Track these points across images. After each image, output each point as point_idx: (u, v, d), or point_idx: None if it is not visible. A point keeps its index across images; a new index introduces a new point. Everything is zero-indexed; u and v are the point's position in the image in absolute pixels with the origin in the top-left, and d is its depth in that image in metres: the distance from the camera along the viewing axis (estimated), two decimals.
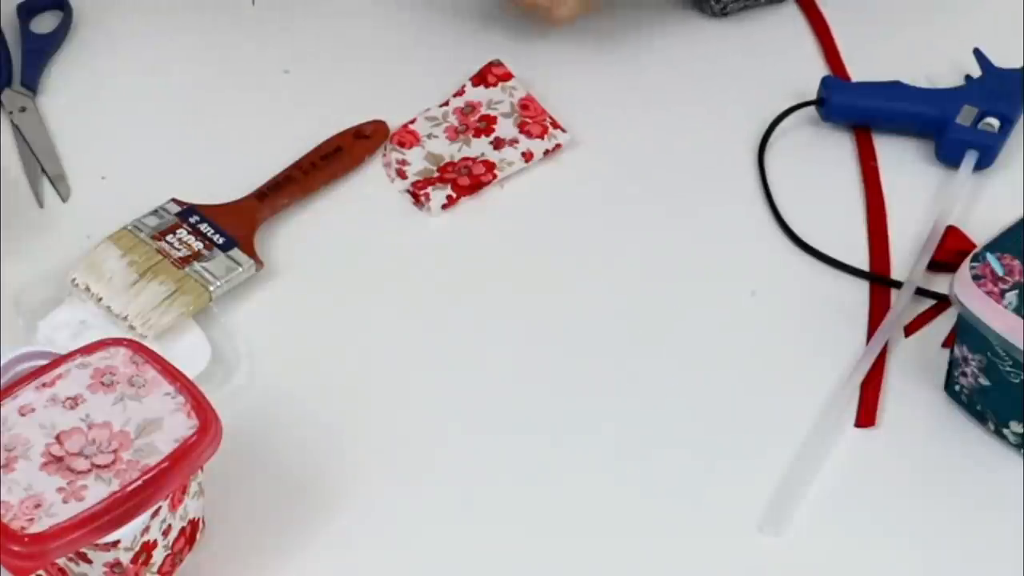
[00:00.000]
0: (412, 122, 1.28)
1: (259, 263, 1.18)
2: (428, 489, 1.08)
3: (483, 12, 1.36)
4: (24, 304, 1.15)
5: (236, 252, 1.17)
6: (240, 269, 1.17)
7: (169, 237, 1.17)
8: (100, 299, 1.14)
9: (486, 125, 1.27)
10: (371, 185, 1.25)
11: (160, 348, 1.05)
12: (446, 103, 1.29)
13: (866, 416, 1.11)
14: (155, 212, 1.19)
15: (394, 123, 1.28)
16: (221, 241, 1.18)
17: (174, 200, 1.20)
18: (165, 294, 1.14)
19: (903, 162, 1.27)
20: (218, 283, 1.15)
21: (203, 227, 1.18)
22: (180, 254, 1.16)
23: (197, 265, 1.16)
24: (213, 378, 1.11)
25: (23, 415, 0.97)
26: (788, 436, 1.09)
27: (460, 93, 1.29)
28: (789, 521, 1.06)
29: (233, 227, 1.19)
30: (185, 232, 1.18)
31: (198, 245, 1.17)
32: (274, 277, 1.19)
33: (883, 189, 1.24)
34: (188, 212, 1.19)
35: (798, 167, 1.26)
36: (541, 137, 1.26)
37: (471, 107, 1.28)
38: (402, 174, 1.24)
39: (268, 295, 1.18)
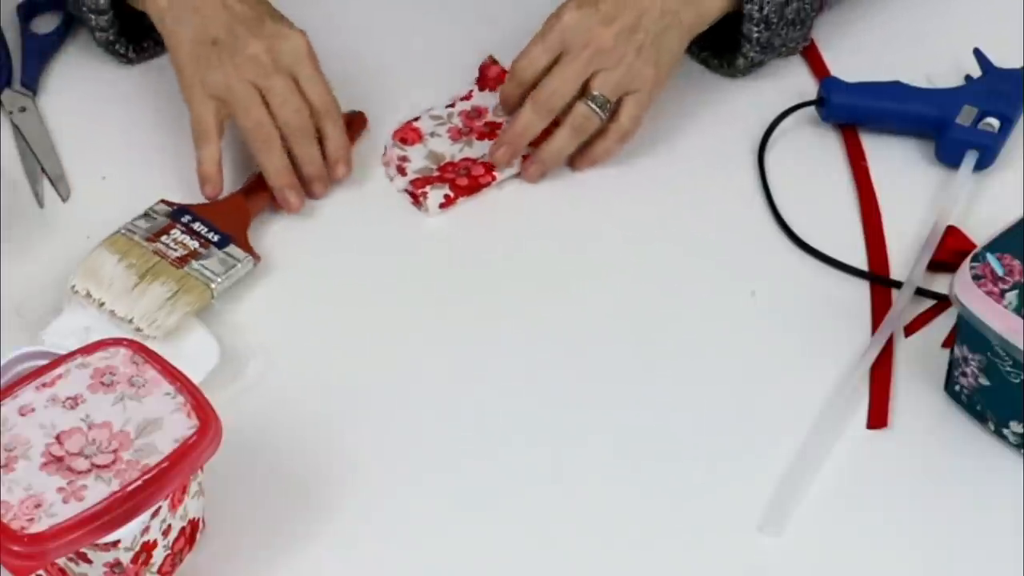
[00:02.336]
0: (416, 120, 1.28)
1: (256, 257, 1.18)
2: (428, 489, 1.08)
3: (480, 12, 1.36)
4: (26, 306, 1.14)
5: (232, 248, 1.17)
6: (238, 265, 1.17)
7: (164, 238, 1.17)
8: (102, 304, 1.14)
9: (490, 130, 1.27)
10: (369, 183, 1.25)
11: (168, 349, 1.05)
12: (452, 104, 1.29)
13: (877, 417, 1.11)
14: (145, 215, 1.19)
15: (390, 123, 1.28)
16: (216, 239, 1.18)
17: (163, 201, 1.20)
18: (168, 294, 1.14)
19: (903, 162, 1.27)
20: (219, 280, 1.15)
21: (196, 226, 1.18)
22: (177, 254, 1.16)
23: (195, 264, 1.16)
24: (222, 376, 1.11)
25: (23, 415, 0.97)
26: (788, 436, 1.09)
27: (467, 97, 1.29)
28: (789, 521, 1.06)
29: (226, 224, 1.19)
30: (179, 232, 1.18)
31: (194, 244, 1.17)
32: (271, 273, 1.19)
33: (882, 189, 1.24)
34: (180, 212, 1.19)
35: (798, 167, 1.26)
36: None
37: (477, 112, 1.28)
38: (402, 171, 1.24)
39: (265, 292, 1.18)
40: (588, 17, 1.20)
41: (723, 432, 1.11)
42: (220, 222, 1.19)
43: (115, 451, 0.95)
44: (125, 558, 0.97)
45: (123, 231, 1.17)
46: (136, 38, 1.29)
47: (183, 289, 1.14)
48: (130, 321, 1.13)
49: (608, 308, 1.17)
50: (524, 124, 1.21)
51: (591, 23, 1.20)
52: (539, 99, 1.21)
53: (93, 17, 1.26)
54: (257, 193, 1.22)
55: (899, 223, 1.22)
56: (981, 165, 1.24)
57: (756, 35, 1.26)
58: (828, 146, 1.28)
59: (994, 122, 1.24)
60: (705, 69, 1.32)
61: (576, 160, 1.25)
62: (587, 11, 1.20)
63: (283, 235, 1.21)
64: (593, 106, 1.21)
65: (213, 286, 1.15)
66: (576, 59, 1.20)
